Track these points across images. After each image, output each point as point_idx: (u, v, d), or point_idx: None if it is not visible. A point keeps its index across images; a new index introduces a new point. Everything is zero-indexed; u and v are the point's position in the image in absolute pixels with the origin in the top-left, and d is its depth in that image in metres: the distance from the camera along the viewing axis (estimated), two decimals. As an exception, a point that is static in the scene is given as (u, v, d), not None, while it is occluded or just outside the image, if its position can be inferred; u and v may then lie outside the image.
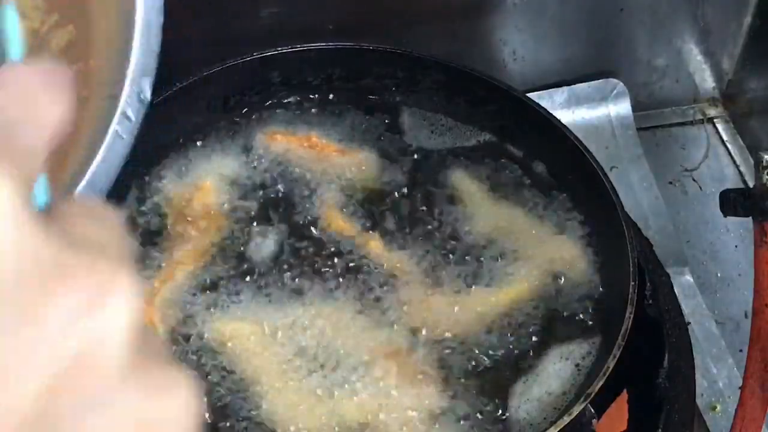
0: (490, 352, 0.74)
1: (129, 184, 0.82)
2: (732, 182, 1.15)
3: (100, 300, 0.23)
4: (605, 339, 0.74)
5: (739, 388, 0.78)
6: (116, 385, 0.23)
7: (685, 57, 1.18)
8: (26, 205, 0.22)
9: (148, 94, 0.44)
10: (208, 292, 0.76)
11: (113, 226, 0.26)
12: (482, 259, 0.80)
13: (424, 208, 0.84)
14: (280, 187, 0.84)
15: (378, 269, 0.78)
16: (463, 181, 0.86)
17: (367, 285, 0.77)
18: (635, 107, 1.16)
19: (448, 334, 0.74)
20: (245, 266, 0.78)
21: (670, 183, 1.15)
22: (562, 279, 0.79)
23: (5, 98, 0.25)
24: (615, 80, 1.15)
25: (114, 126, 0.43)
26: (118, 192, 0.82)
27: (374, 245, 0.79)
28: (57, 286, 0.22)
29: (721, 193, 0.78)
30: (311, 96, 0.90)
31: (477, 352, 0.74)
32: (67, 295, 0.22)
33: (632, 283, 0.73)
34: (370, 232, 0.81)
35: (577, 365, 0.73)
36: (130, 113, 0.43)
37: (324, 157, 0.86)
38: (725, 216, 0.77)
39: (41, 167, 0.24)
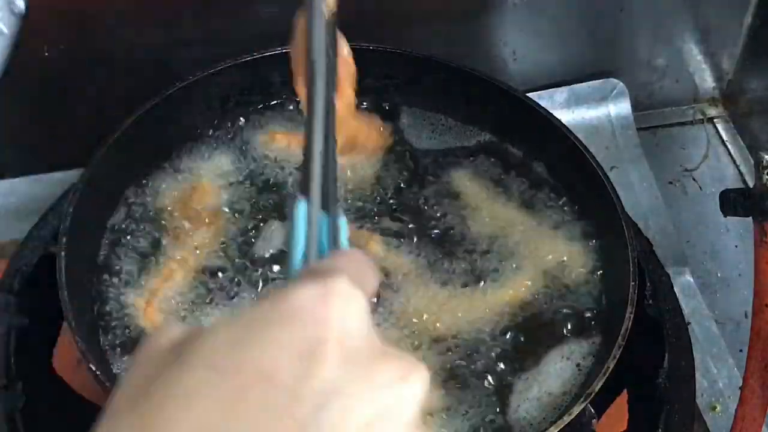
0: (491, 351, 0.74)
1: (129, 184, 0.83)
2: (732, 182, 1.15)
3: (406, 376, 0.34)
4: (605, 339, 0.74)
5: (739, 388, 0.78)
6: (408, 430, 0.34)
7: (685, 57, 1.18)
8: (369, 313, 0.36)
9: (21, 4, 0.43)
10: (208, 291, 0.76)
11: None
12: (482, 258, 0.80)
13: (425, 208, 0.84)
14: (280, 187, 0.84)
15: (378, 269, 0.78)
16: (463, 181, 0.86)
17: (367, 285, 0.77)
18: (635, 107, 1.16)
19: (448, 334, 0.74)
20: (245, 266, 0.78)
21: (670, 183, 1.15)
22: (562, 279, 0.79)
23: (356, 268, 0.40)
24: (615, 80, 1.15)
25: None
26: (117, 191, 0.83)
27: (374, 245, 0.79)
28: (383, 362, 0.34)
29: (721, 193, 0.78)
30: (311, 96, 0.90)
31: (477, 351, 0.74)
32: (389, 368, 0.34)
33: (632, 283, 0.73)
34: (370, 232, 0.81)
35: (577, 365, 0.73)
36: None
37: (324, 157, 0.86)
38: (725, 216, 0.78)
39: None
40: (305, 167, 0.47)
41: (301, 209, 0.45)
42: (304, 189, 0.46)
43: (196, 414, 0.31)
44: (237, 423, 0.31)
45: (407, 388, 0.34)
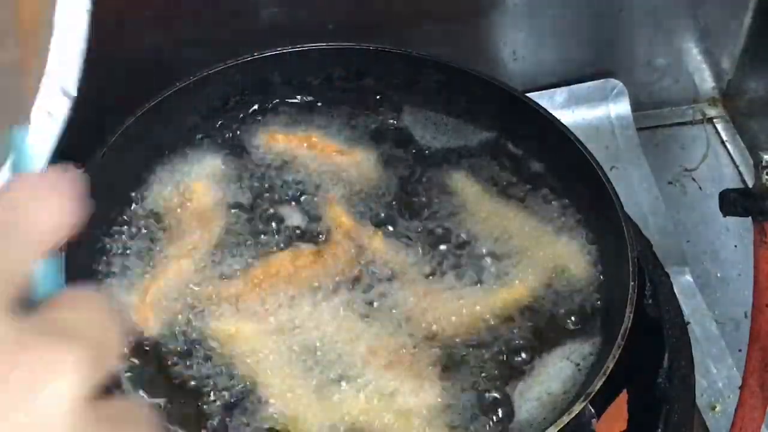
0: (490, 351, 0.74)
1: (128, 184, 0.82)
2: (732, 182, 1.15)
3: (37, 381, 0.26)
4: (605, 339, 0.74)
5: (739, 388, 0.78)
6: None
7: (685, 57, 1.18)
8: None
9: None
10: (208, 290, 0.76)
11: (98, 312, 0.30)
12: (482, 258, 0.80)
13: (425, 207, 0.84)
14: (280, 187, 0.84)
15: (380, 269, 0.78)
16: (463, 181, 0.86)
17: (369, 284, 0.77)
18: (635, 107, 1.16)
19: (449, 334, 0.74)
20: (246, 266, 0.78)
21: (670, 183, 1.15)
22: (563, 279, 0.79)
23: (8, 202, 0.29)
24: (615, 80, 1.15)
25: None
26: (117, 191, 0.83)
27: (376, 245, 0.79)
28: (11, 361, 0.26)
29: (721, 193, 0.78)
30: (311, 96, 0.90)
31: (478, 351, 0.74)
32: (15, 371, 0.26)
33: (632, 283, 0.73)
34: (372, 231, 0.81)
35: (577, 365, 0.73)
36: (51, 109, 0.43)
37: (324, 157, 0.86)
38: (725, 216, 0.78)
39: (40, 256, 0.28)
40: None
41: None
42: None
43: None
44: None
45: (41, 397, 0.26)
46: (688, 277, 1.04)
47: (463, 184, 0.85)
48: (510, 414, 0.71)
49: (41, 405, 0.26)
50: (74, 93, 0.42)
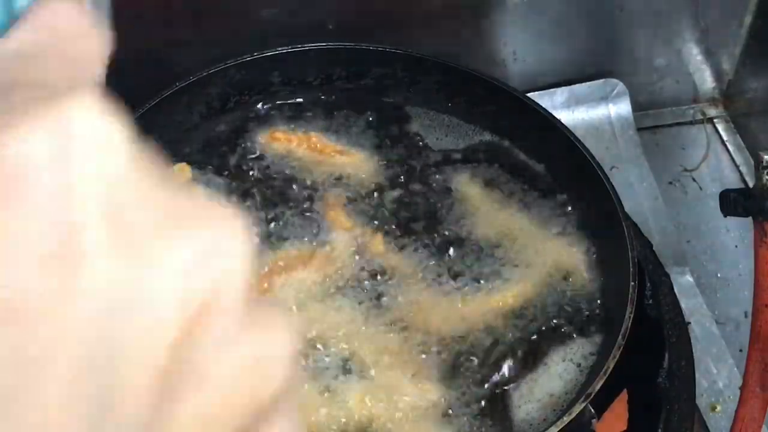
0: (491, 352, 0.74)
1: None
2: (732, 182, 1.15)
3: (220, 247, 0.23)
4: (605, 339, 0.74)
5: (739, 388, 0.78)
6: (237, 326, 0.23)
7: (685, 57, 1.18)
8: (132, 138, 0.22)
9: None
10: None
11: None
12: (482, 259, 0.80)
13: (425, 208, 0.84)
14: (280, 187, 0.84)
15: (380, 269, 0.78)
16: (463, 181, 0.86)
17: (368, 284, 0.77)
18: (635, 107, 1.16)
19: (449, 334, 0.74)
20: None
21: (670, 183, 1.15)
22: (562, 279, 0.79)
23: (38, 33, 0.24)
24: (615, 80, 1.15)
25: None
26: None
27: (377, 245, 0.79)
28: (176, 231, 0.22)
29: (721, 193, 0.78)
30: (311, 96, 0.90)
31: (477, 352, 0.74)
32: (188, 240, 0.22)
33: (632, 283, 0.73)
34: (371, 232, 0.81)
35: (578, 365, 0.73)
36: None
37: (324, 158, 0.86)
38: (725, 216, 0.77)
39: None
40: None
41: None
42: None
43: None
44: None
45: (227, 258, 0.23)
46: (688, 277, 1.04)
47: (463, 185, 0.85)
48: (510, 414, 0.71)
49: None
50: None
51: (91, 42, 0.25)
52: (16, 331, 0.19)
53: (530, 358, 0.74)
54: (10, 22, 0.25)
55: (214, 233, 0.23)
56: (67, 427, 0.20)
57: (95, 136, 0.21)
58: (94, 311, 0.20)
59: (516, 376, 0.73)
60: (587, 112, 1.15)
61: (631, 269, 0.73)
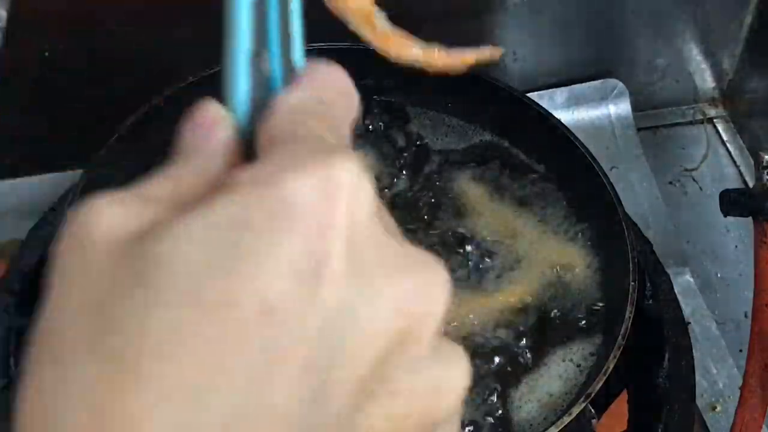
0: (491, 352, 0.74)
1: (129, 184, 0.82)
2: (732, 182, 1.15)
3: (428, 288, 0.28)
4: (605, 339, 0.74)
5: (739, 388, 0.78)
6: (428, 354, 0.28)
7: (685, 57, 1.18)
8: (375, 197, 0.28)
9: None
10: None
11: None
12: (482, 259, 0.80)
13: (425, 208, 0.84)
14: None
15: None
16: (463, 181, 0.86)
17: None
18: (635, 107, 1.16)
19: (449, 335, 0.74)
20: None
21: (670, 183, 1.15)
22: (562, 279, 0.79)
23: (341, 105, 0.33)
24: (615, 80, 1.15)
25: None
26: (117, 191, 0.82)
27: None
28: (396, 269, 0.28)
29: (721, 193, 0.78)
30: (311, 96, 0.90)
31: (477, 352, 0.74)
32: (405, 278, 0.28)
33: (632, 283, 0.73)
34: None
35: (578, 366, 0.73)
36: None
37: (324, 157, 0.86)
38: (725, 216, 0.78)
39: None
40: None
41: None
42: None
43: (176, 369, 0.24)
44: (231, 379, 0.24)
45: (431, 298, 0.28)
46: (688, 277, 1.04)
47: (463, 184, 0.85)
48: (510, 414, 0.71)
49: None
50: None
51: (350, 102, 0.34)
52: (270, 322, 0.25)
53: (530, 358, 0.74)
54: (290, 77, 0.33)
55: (425, 277, 0.28)
56: (290, 411, 0.25)
57: (354, 189, 0.27)
58: (326, 320, 0.26)
59: (516, 377, 0.73)
60: (587, 112, 1.15)
61: (631, 269, 0.73)
